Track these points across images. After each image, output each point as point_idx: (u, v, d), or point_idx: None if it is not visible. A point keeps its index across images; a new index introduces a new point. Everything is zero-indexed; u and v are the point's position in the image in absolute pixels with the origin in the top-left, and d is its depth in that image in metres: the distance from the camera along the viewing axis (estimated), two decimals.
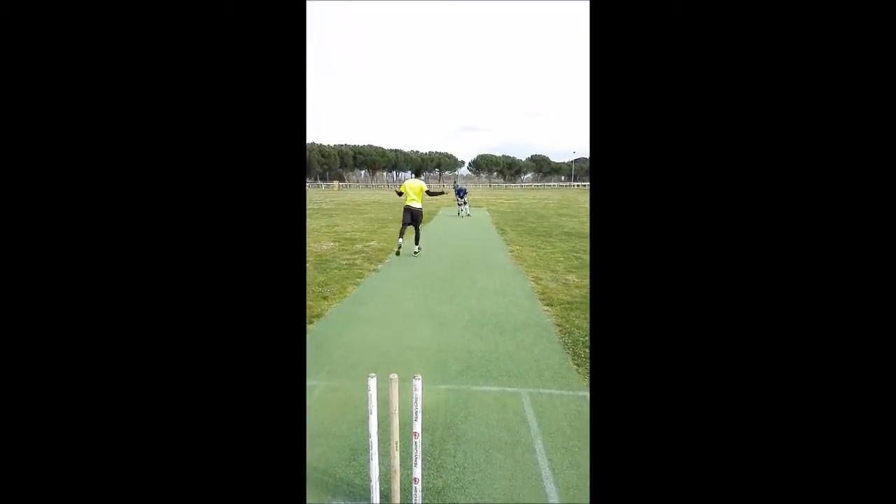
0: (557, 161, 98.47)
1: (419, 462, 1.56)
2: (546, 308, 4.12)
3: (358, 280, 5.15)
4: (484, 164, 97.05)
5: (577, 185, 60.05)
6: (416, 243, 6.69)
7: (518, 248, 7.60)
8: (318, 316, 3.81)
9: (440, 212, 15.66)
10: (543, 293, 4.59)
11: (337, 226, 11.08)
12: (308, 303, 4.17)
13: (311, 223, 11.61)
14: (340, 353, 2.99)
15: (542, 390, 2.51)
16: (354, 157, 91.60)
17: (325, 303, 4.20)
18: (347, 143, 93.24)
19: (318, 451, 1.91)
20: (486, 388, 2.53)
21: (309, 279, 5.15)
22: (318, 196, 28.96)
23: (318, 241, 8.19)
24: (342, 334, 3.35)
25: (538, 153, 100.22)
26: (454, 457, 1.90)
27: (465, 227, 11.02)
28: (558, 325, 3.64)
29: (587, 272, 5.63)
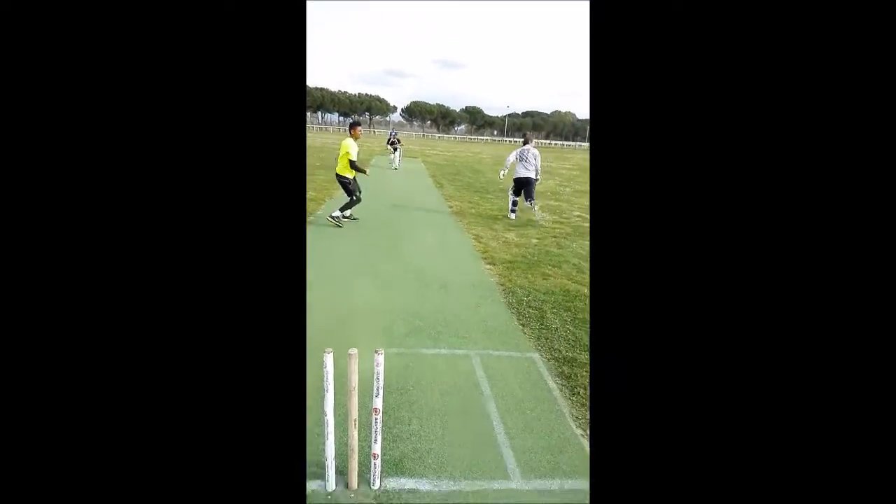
0: (491, 115, 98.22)
1: (379, 438, 1.47)
2: (489, 266, 4.14)
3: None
4: (417, 112, 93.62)
5: (510, 141, 60.84)
6: (341, 210, 5.27)
7: (457, 203, 7.52)
8: None
9: (373, 160, 14.88)
10: (485, 252, 4.61)
11: None
12: None
13: None
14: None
15: (489, 352, 2.53)
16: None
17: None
18: None
19: None
20: (436, 350, 2.48)
21: None
22: None
23: None
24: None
25: (472, 105, 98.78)
26: (410, 423, 1.85)
27: (403, 181, 10.63)
28: (501, 283, 3.68)
29: (525, 231, 5.76)
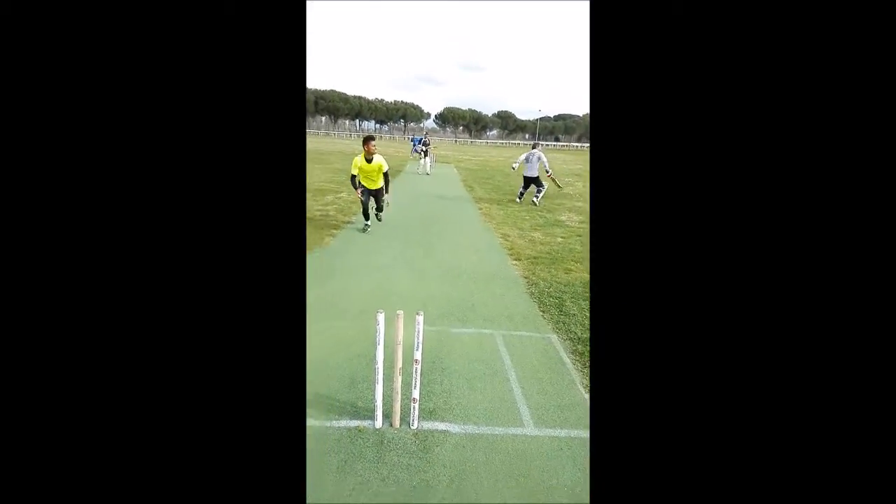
0: (523, 118, 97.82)
1: (418, 385, 1.84)
2: (515, 262, 4.45)
3: (334, 232, 5.22)
4: (450, 118, 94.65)
5: (543, 144, 60.46)
6: (380, 211, 5.46)
7: (486, 206, 7.85)
8: None
9: (406, 167, 15.45)
10: (512, 249, 4.92)
11: None
12: None
13: None
14: (327, 300, 3.17)
15: (512, 333, 2.84)
16: (316, 103, 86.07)
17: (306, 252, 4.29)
18: (308, 88, 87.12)
19: (321, 381, 2.14)
20: (464, 330, 2.83)
21: None
22: None
23: None
24: (326, 283, 3.51)
25: (504, 109, 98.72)
26: (442, 383, 2.20)
27: (435, 185, 11.07)
28: (525, 276, 3.98)
29: (552, 230, 6.01)
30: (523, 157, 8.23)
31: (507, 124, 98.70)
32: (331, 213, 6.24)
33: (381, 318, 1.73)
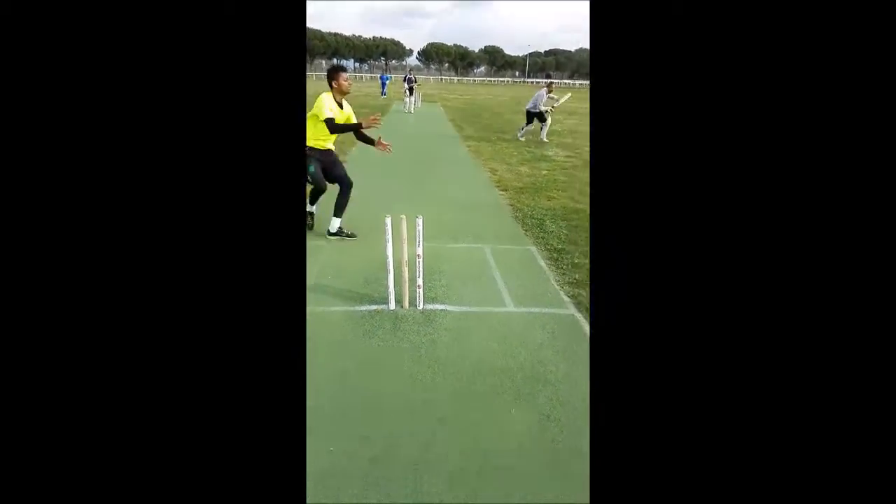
0: (512, 54, 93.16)
1: (421, 275, 2.32)
2: (502, 192, 4.86)
3: None
4: (434, 54, 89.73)
5: (530, 82, 58.34)
6: (337, 215, 3.35)
7: (475, 143, 8.08)
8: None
9: (392, 106, 15.21)
10: (500, 181, 5.30)
11: None
12: None
13: None
14: (326, 228, 3.57)
15: (498, 246, 3.32)
16: None
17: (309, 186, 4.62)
18: None
19: (342, 281, 2.62)
20: (458, 245, 3.30)
21: None
22: None
23: None
24: (331, 210, 3.89)
25: (491, 44, 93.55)
26: (441, 280, 2.70)
27: (422, 125, 11.11)
28: (511, 204, 4.41)
29: (538, 164, 6.36)
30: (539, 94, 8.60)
31: (496, 60, 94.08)
32: None
33: (388, 220, 2.16)
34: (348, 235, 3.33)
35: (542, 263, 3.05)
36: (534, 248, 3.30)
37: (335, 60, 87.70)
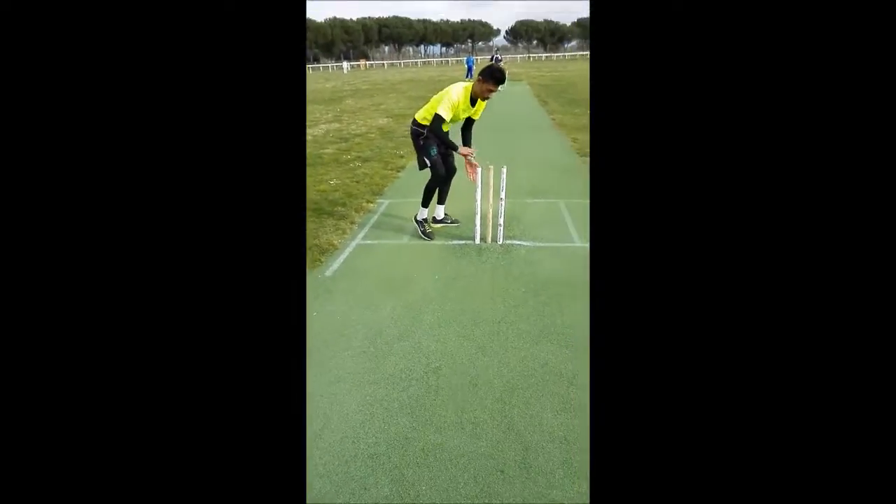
0: None
1: (503, 213, 2.87)
2: (581, 158, 5.14)
3: None
4: (523, 32, 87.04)
5: None
6: (441, 202, 3.22)
7: (560, 116, 8.25)
8: (402, 167, 5.06)
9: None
10: (580, 148, 5.55)
11: (382, 104, 11.76)
12: (390, 161, 5.39)
13: (357, 102, 12.33)
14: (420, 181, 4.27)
15: (572, 200, 3.71)
16: (379, 31, 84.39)
17: (403, 160, 5.41)
18: (371, 16, 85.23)
19: (438, 227, 3.28)
20: (536, 200, 3.77)
21: (381, 145, 6.30)
22: (349, 77, 28.41)
23: (372, 118, 9.12)
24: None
25: (585, 17, 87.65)
26: (519, 226, 3.23)
27: (508, 101, 11.43)
28: (588, 166, 4.70)
29: None
30: None
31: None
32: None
33: (478, 171, 2.73)
34: (452, 222, 3.23)
35: None
36: None
37: (423, 47, 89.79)
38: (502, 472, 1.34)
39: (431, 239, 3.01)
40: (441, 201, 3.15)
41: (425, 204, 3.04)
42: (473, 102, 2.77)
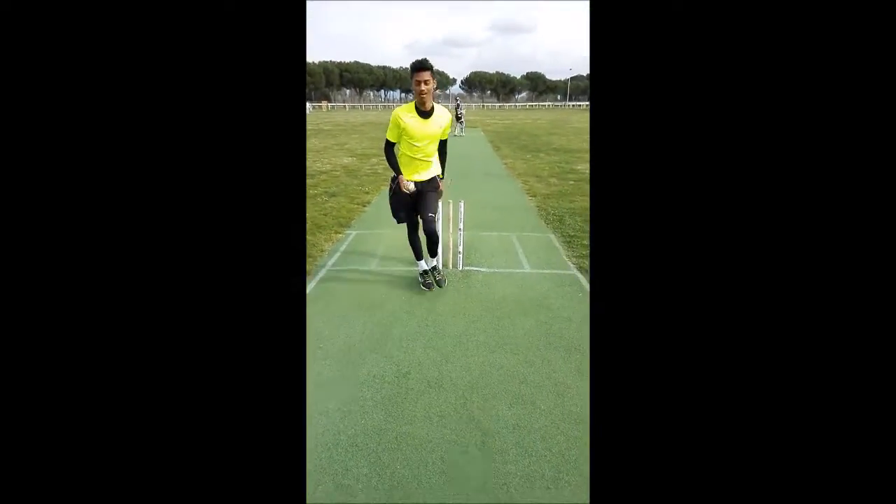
0: (553, 79, 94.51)
1: (462, 243, 3.22)
2: (531, 198, 5.69)
3: (385, 182, 6.62)
4: (477, 82, 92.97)
5: (571, 105, 58.94)
6: (433, 255, 2.98)
7: (511, 160, 9.00)
8: (368, 202, 5.36)
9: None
10: (530, 190, 6.14)
11: (346, 144, 12.18)
12: (355, 196, 5.68)
13: (320, 142, 12.67)
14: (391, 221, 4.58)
15: (523, 233, 4.16)
16: (341, 76, 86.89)
17: (368, 196, 5.72)
18: (332, 60, 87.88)
19: (398, 253, 3.56)
20: (490, 233, 4.17)
21: (346, 182, 6.60)
22: (312, 118, 28.99)
23: (337, 157, 9.46)
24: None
25: (533, 70, 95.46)
26: (476, 254, 3.58)
27: (464, 146, 12.23)
28: (538, 206, 5.24)
29: (566, 177, 7.14)
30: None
31: (537, 86, 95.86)
32: (379, 170, 7.63)
33: (438, 203, 3.09)
34: (437, 281, 2.96)
35: (557, 244, 3.85)
36: (552, 235, 4.11)
37: (383, 92, 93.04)
38: (465, 452, 1.58)
39: (431, 289, 2.89)
40: (418, 256, 2.94)
41: (417, 257, 2.94)
42: (424, 115, 2.55)
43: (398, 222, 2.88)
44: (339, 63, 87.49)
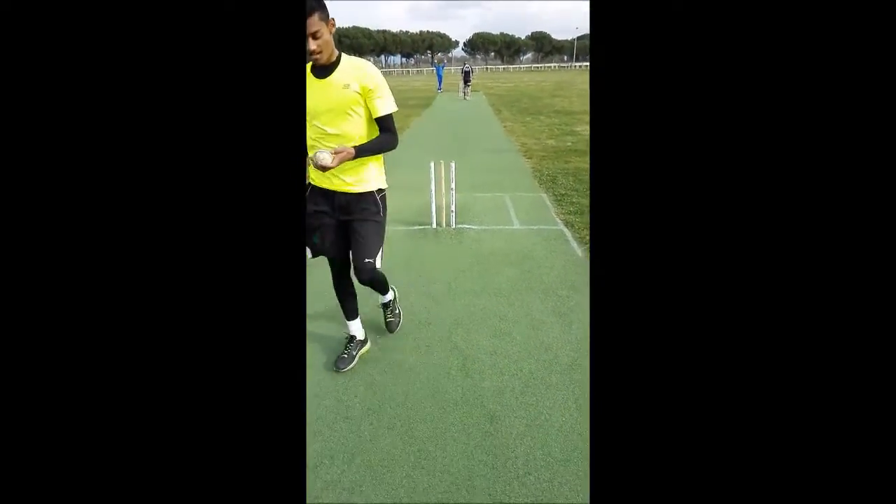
0: (559, 39, 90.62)
1: (455, 201, 3.40)
2: (527, 160, 5.79)
3: None
4: (480, 44, 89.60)
5: (578, 66, 56.90)
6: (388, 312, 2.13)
7: (511, 123, 8.98)
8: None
9: (434, 102, 16.33)
10: (526, 151, 6.22)
11: None
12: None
13: None
14: (392, 182, 4.74)
15: (516, 193, 4.31)
16: (339, 41, 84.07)
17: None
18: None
19: (397, 213, 3.76)
20: (484, 195, 4.33)
21: None
22: None
23: None
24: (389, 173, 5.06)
25: (538, 30, 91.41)
26: (469, 214, 3.77)
27: (465, 109, 12.12)
28: (533, 168, 5.34)
29: (564, 138, 7.16)
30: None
31: (543, 46, 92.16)
32: None
33: (431, 164, 3.25)
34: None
35: (548, 202, 4.01)
36: (544, 195, 4.26)
37: (383, 58, 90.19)
38: (448, 374, 1.83)
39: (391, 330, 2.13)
40: (348, 314, 1.94)
41: (347, 315, 1.95)
42: (320, 72, 1.54)
43: (311, 254, 1.73)
44: (338, 28, 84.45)
